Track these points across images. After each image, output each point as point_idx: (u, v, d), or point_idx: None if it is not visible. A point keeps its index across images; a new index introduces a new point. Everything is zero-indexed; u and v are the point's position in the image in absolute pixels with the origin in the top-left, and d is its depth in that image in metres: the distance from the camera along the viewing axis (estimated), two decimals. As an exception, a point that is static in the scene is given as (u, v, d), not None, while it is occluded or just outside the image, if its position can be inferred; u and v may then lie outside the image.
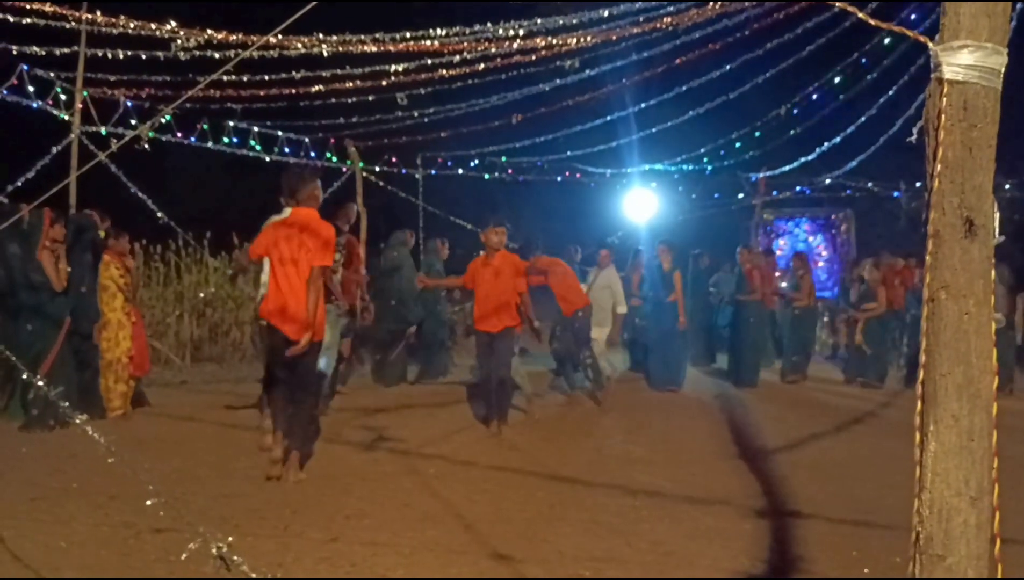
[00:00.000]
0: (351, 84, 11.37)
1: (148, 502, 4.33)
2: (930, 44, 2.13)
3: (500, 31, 9.44)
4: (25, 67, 10.29)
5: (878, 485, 6.42)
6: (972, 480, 2.09)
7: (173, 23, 9.02)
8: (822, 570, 4.68)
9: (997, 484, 2.13)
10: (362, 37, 9.64)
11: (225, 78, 10.27)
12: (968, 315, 2.09)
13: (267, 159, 14.35)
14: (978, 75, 2.06)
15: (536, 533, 5.25)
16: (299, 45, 9.49)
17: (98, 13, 9.07)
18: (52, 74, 10.74)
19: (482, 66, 10.94)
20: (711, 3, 9.74)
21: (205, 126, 13.13)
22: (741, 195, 18.70)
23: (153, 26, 8.95)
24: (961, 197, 2.09)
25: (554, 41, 10.10)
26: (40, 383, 4.61)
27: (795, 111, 14.94)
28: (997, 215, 2.10)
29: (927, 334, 2.13)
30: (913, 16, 11.23)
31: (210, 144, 13.36)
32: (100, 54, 10.12)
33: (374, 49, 9.90)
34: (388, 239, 12.13)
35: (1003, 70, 2.10)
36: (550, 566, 4.70)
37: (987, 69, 2.07)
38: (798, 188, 18.39)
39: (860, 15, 2.36)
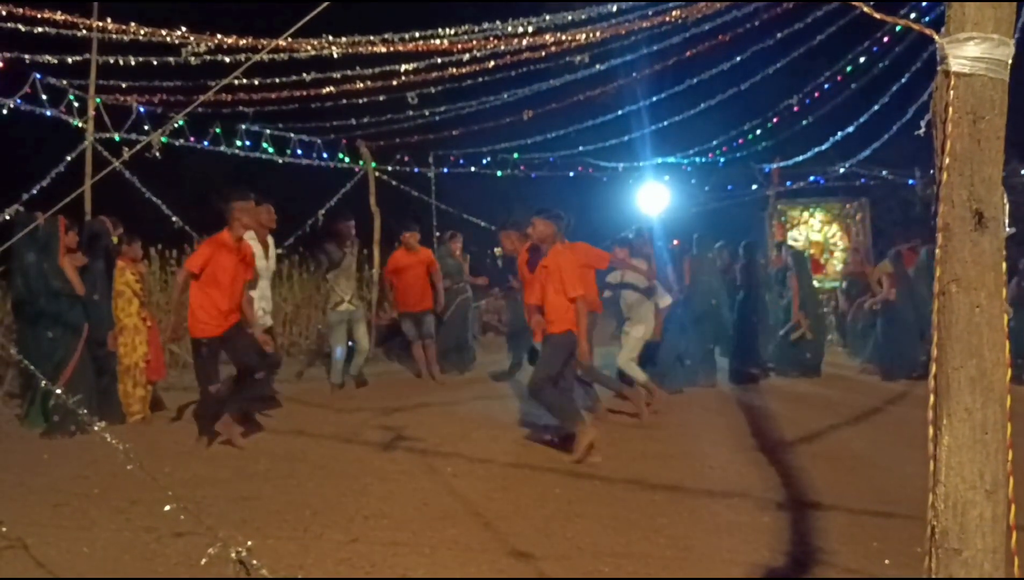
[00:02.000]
0: (361, 85, 11.40)
1: (168, 507, 4.37)
2: (936, 37, 2.13)
3: (509, 28, 9.44)
4: (38, 76, 10.35)
5: (899, 475, 6.39)
6: (987, 473, 2.08)
7: (183, 28, 9.05)
8: (843, 562, 4.66)
9: (1012, 477, 2.12)
10: (371, 38, 9.66)
11: (236, 82, 10.32)
12: (980, 308, 2.09)
13: (280, 161, 14.42)
14: (985, 67, 2.06)
15: (555, 530, 5.26)
16: (309, 47, 9.52)
17: (108, 21, 9.12)
18: (64, 82, 10.81)
19: (492, 64, 10.94)
20: (719, -5, 9.72)
21: (217, 130, 13.19)
22: (755, 186, 18.63)
23: (164, 32, 8.99)
24: (970, 190, 2.08)
25: (563, 37, 10.09)
26: (59, 391, 4.65)
27: (807, 100, 14.89)
28: (1007, 207, 2.10)
29: (938, 328, 2.12)
30: (924, 2, 11.16)
31: (223, 147, 13.42)
32: (112, 61, 10.20)
33: (384, 49, 9.91)
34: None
35: (1010, 61, 2.09)
36: (569, 563, 4.71)
37: (994, 61, 2.06)
38: (812, 178, 18.30)
39: (865, 8, 2.35)
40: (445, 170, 17.22)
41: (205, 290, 7.35)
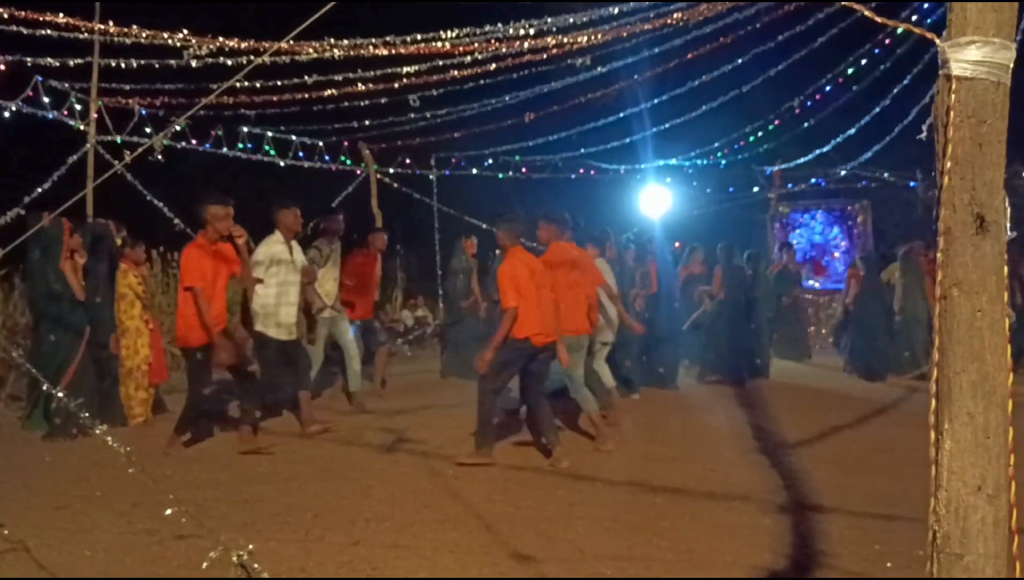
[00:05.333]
0: (363, 87, 11.39)
1: (170, 510, 4.37)
2: (937, 40, 2.12)
3: (511, 31, 9.44)
4: (40, 78, 10.36)
5: (901, 478, 6.38)
6: (988, 477, 2.08)
7: (185, 31, 9.06)
8: (845, 564, 4.66)
9: (1014, 481, 2.12)
10: (373, 40, 9.66)
11: (238, 84, 10.32)
12: (981, 312, 2.08)
13: (282, 164, 14.43)
14: (986, 71, 2.05)
15: (556, 532, 5.25)
16: (311, 50, 9.52)
17: (110, 23, 9.13)
18: (66, 85, 10.81)
19: (493, 66, 10.94)
20: (720, -1, 9.73)
21: (219, 132, 13.19)
22: (756, 188, 18.63)
23: (166, 35, 8.99)
24: (972, 193, 2.08)
25: (565, 39, 10.09)
26: (61, 394, 4.65)
27: (809, 103, 14.89)
28: (1008, 210, 2.10)
29: (940, 332, 2.12)
30: (926, 5, 11.16)
31: (224, 150, 13.43)
32: (114, 64, 10.20)
33: (385, 52, 9.91)
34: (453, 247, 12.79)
35: (1012, 65, 2.09)
36: (571, 565, 4.71)
37: (995, 64, 2.06)
38: (813, 180, 18.28)
39: (866, 12, 2.35)
40: (447, 172, 17.22)
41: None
